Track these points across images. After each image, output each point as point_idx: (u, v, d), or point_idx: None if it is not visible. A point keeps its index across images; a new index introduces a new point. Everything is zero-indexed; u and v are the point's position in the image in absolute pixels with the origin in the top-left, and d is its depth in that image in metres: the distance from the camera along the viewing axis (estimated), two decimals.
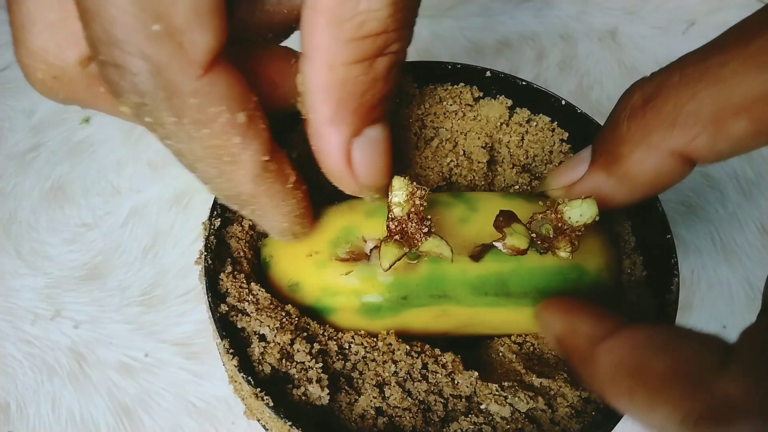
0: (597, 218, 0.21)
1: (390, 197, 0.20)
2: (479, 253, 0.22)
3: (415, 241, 0.20)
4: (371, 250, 0.22)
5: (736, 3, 0.50)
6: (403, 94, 0.28)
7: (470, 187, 0.28)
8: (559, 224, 0.21)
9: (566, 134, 0.28)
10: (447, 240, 0.20)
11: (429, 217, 0.20)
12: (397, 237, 0.20)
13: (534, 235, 0.21)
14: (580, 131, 0.28)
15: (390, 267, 0.20)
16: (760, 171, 0.41)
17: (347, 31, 0.16)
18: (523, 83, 0.28)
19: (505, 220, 0.20)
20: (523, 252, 0.20)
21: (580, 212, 0.21)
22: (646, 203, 0.26)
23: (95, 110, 0.20)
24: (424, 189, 0.20)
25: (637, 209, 0.27)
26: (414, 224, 0.20)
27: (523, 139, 0.29)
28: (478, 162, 0.28)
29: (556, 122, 0.28)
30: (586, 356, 0.18)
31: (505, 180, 0.28)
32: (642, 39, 0.47)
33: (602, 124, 0.27)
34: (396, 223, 0.21)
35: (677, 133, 0.18)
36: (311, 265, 0.23)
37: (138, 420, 0.32)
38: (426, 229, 0.20)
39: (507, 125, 0.29)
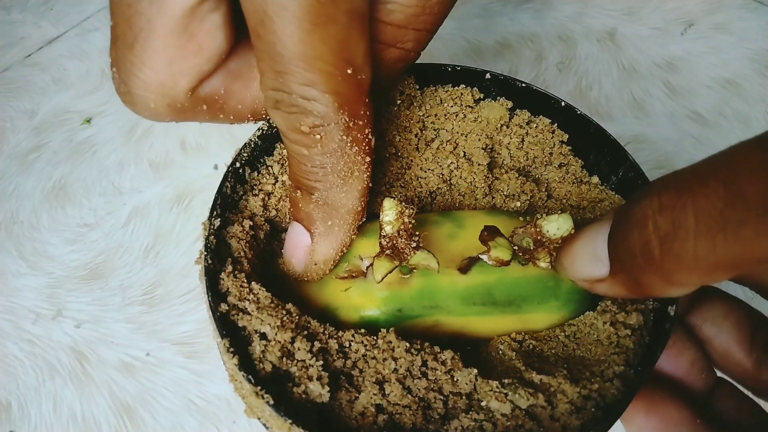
0: (573, 231, 0.23)
1: (381, 217, 0.22)
2: (467, 265, 0.24)
3: (405, 255, 0.22)
4: (367, 267, 0.24)
5: (734, 4, 0.50)
6: (404, 96, 0.28)
7: (470, 189, 0.28)
8: (539, 237, 0.23)
9: (566, 136, 0.29)
10: (436, 254, 0.22)
11: (417, 233, 0.22)
12: (388, 252, 0.22)
13: (516, 247, 0.23)
14: (580, 132, 0.28)
15: (383, 279, 0.22)
16: None
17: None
18: (523, 85, 0.28)
19: (489, 234, 0.23)
20: (507, 263, 0.22)
21: (557, 226, 0.23)
22: None
23: (194, 121, 0.23)
24: (412, 208, 0.23)
25: None
26: (403, 240, 0.22)
27: (523, 140, 0.29)
28: (479, 164, 0.28)
29: (555, 124, 0.29)
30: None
31: (508, 187, 0.28)
32: (640, 40, 0.47)
33: (601, 125, 0.28)
34: (387, 240, 0.22)
35: (698, 277, 0.17)
36: (316, 285, 0.25)
37: (139, 419, 0.32)
38: (414, 244, 0.22)
39: (507, 127, 0.29)
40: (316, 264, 0.23)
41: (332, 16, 0.18)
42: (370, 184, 0.22)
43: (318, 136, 0.20)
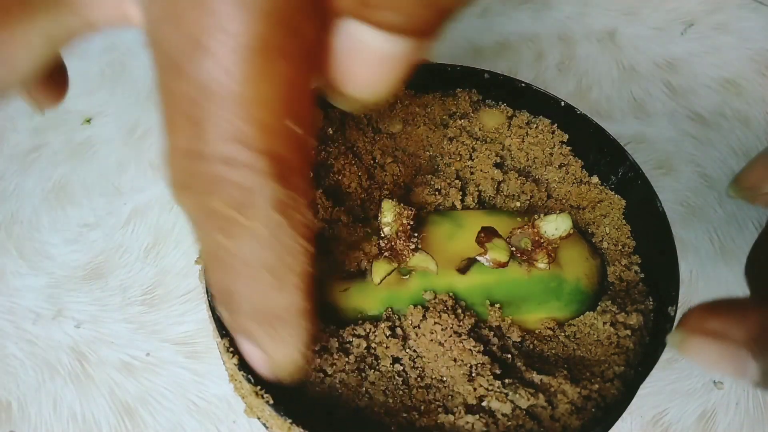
0: (572, 231, 0.22)
1: (380, 218, 0.22)
2: (465, 266, 0.24)
3: (404, 257, 0.22)
4: (365, 267, 0.24)
5: (735, 4, 0.50)
6: (409, 114, 0.28)
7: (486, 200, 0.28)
8: (537, 238, 0.23)
9: (566, 136, 0.29)
10: (435, 255, 0.22)
11: (416, 234, 0.23)
12: (386, 254, 0.22)
13: (514, 248, 0.23)
14: (580, 132, 0.28)
15: (381, 281, 0.22)
16: None
17: None
18: (523, 85, 0.28)
19: (486, 235, 0.22)
20: (504, 265, 0.22)
21: (555, 226, 0.23)
22: (646, 203, 0.26)
23: None
24: (410, 209, 0.22)
25: (637, 209, 0.27)
26: (402, 242, 0.22)
27: (523, 140, 0.29)
28: (492, 178, 0.28)
29: (555, 124, 0.29)
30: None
31: (508, 188, 0.28)
32: (641, 40, 0.47)
33: (601, 125, 0.28)
34: (386, 242, 0.22)
35: None
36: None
37: (139, 419, 0.32)
38: (413, 246, 0.22)
39: (508, 128, 0.29)
40: (285, 369, 0.19)
41: (286, 50, 0.13)
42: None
43: (242, 219, 0.14)
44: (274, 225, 0.15)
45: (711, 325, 0.18)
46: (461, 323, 0.23)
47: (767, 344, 0.17)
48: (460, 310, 0.23)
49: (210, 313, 0.22)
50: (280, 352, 0.18)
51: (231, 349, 0.21)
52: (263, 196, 0.14)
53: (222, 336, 0.21)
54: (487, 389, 0.21)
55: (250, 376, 0.20)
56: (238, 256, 0.15)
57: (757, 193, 0.22)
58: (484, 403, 0.21)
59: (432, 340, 0.23)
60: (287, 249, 0.15)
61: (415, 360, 0.23)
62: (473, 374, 0.22)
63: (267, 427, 0.23)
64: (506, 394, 0.21)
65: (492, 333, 0.23)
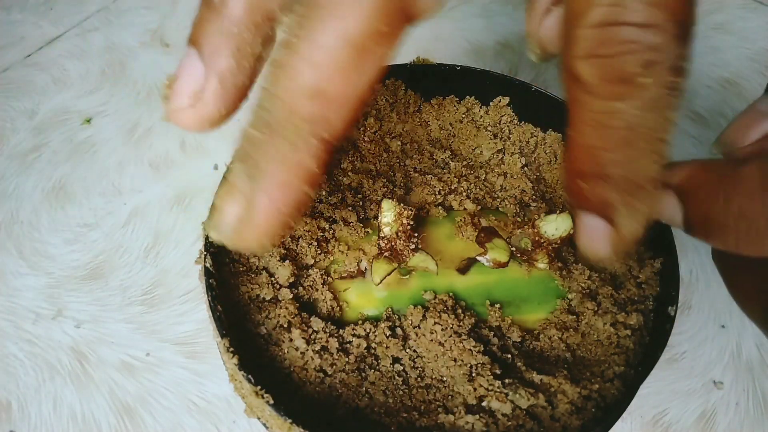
0: (572, 231, 0.22)
1: (380, 218, 0.22)
2: (465, 266, 0.24)
3: (404, 257, 0.23)
4: (365, 267, 0.24)
5: (734, 4, 0.50)
6: (411, 115, 0.28)
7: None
8: (537, 238, 0.23)
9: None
10: (435, 255, 0.22)
11: (416, 234, 0.22)
12: (387, 254, 0.22)
13: (514, 248, 0.22)
14: None
15: (381, 281, 0.22)
16: None
17: None
18: (523, 84, 0.28)
19: (486, 236, 0.22)
20: (504, 265, 0.22)
21: (555, 226, 0.23)
22: None
23: None
24: (410, 209, 0.22)
25: None
26: (402, 242, 0.22)
27: (525, 141, 0.29)
28: (493, 178, 0.28)
29: (560, 133, 0.28)
30: (727, 174, 0.17)
31: (509, 187, 0.28)
32: None
33: None
34: (386, 242, 0.22)
35: None
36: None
37: (139, 419, 0.32)
38: (413, 246, 0.22)
39: (509, 128, 0.29)
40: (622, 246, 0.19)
41: None
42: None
43: (644, 80, 0.15)
44: (670, 86, 0.15)
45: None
46: (461, 323, 0.23)
47: (693, 189, 0.18)
48: (460, 310, 0.23)
49: (210, 313, 0.22)
50: (631, 225, 0.18)
51: (231, 349, 0.21)
52: (668, 55, 0.15)
53: (222, 336, 0.21)
54: (487, 389, 0.21)
55: (250, 376, 0.20)
56: (626, 119, 0.16)
57: (735, 148, 0.22)
58: (484, 403, 0.21)
59: (432, 340, 0.23)
60: (664, 114, 0.16)
61: (415, 360, 0.23)
62: (473, 374, 0.22)
63: (267, 427, 0.23)
64: (506, 394, 0.21)
65: (492, 333, 0.23)
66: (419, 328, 0.23)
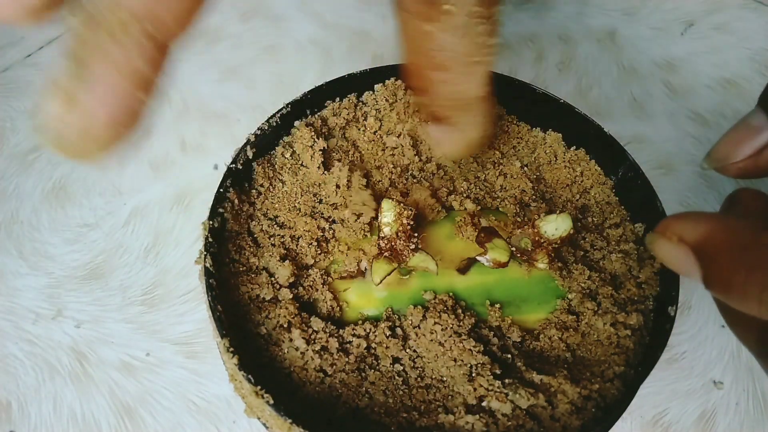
0: (572, 231, 0.22)
1: (380, 218, 0.22)
2: (465, 266, 0.24)
3: (404, 257, 0.23)
4: (365, 267, 0.24)
5: (735, 4, 0.50)
6: (411, 115, 0.28)
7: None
8: (537, 238, 0.23)
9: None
10: (435, 255, 0.22)
11: (416, 234, 0.22)
12: (387, 254, 0.22)
13: (514, 248, 0.23)
14: (580, 132, 0.28)
15: (381, 281, 0.22)
16: None
17: None
18: (522, 85, 0.28)
19: (486, 236, 0.22)
20: (504, 265, 0.22)
21: (555, 226, 0.23)
22: (646, 203, 0.26)
23: None
24: (410, 209, 0.22)
25: (638, 209, 0.27)
26: (402, 242, 0.22)
27: (526, 141, 0.29)
28: (493, 178, 0.28)
29: (561, 135, 0.28)
30: (749, 244, 0.17)
31: (509, 187, 0.28)
32: (640, 40, 0.47)
33: (601, 125, 0.28)
34: (386, 242, 0.22)
35: None
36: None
37: (139, 419, 0.32)
38: (413, 246, 0.22)
39: (509, 129, 0.29)
40: (474, 146, 0.21)
41: None
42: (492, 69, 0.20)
43: (449, 7, 0.17)
44: (473, 14, 0.17)
45: (674, 229, 0.20)
46: (461, 323, 0.23)
47: (713, 251, 0.18)
48: (460, 310, 0.23)
49: (210, 313, 0.22)
50: (467, 132, 0.20)
51: (231, 349, 0.21)
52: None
53: (222, 336, 0.21)
54: (487, 389, 0.21)
55: (250, 376, 0.20)
56: (438, 42, 0.18)
57: (727, 163, 0.23)
58: (484, 403, 0.21)
59: (432, 340, 0.23)
60: (477, 41, 0.18)
61: (415, 360, 0.23)
62: (473, 374, 0.22)
63: (267, 427, 0.23)
64: (506, 394, 0.21)
65: (492, 333, 0.23)
66: (419, 328, 0.23)
